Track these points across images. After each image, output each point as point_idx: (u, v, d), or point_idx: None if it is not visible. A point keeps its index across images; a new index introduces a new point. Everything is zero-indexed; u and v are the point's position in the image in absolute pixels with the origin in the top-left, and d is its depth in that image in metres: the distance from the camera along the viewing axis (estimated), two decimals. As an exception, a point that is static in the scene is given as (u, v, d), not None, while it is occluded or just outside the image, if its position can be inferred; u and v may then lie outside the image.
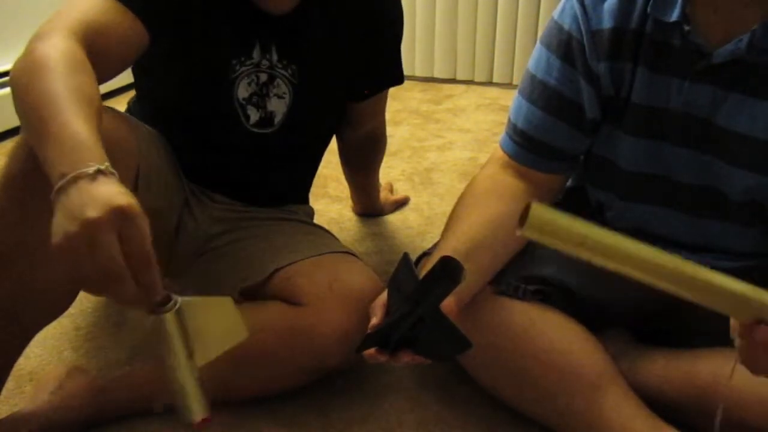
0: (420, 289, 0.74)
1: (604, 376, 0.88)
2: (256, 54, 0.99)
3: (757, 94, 0.80)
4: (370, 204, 1.58)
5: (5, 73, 2.09)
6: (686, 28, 0.80)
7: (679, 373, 0.89)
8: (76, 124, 0.64)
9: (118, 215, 0.58)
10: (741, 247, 0.91)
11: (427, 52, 2.73)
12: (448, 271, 0.68)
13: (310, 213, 1.26)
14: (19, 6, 2.16)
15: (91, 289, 0.62)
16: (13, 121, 2.10)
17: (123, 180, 0.63)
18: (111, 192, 0.59)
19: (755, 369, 0.66)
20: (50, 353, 1.11)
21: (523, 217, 0.62)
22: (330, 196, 1.70)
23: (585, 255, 0.64)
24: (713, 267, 0.91)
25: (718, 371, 0.85)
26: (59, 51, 0.72)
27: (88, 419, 0.94)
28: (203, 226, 1.09)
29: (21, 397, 0.99)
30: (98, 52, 0.77)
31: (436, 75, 2.76)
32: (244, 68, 0.99)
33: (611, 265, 0.63)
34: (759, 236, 0.90)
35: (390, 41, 1.14)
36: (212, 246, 1.08)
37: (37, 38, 0.74)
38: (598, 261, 0.64)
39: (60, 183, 0.60)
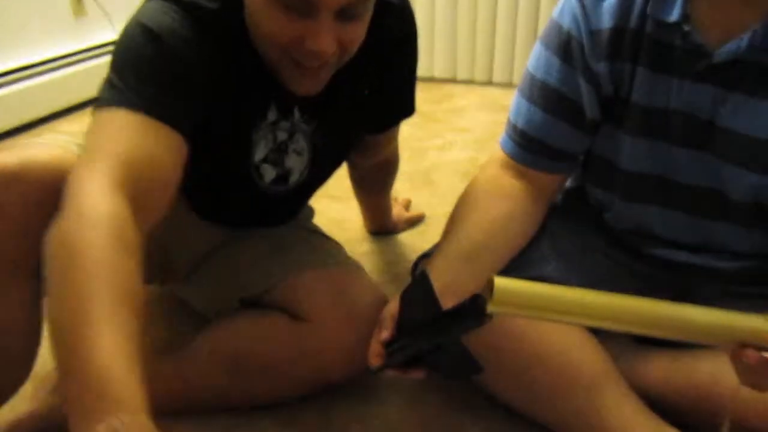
0: (444, 321, 0.73)
1: (604, 376, 0.88)
2: (271, 114, 0.91)
3: (758, 94, 0.80)
4: (382, 223, 1.52)
5: (3, 74, 2.09)
6: (686, 28, 0.80)
7: (679, 374, 0.89)
8: (106, 353, 0.57)
9: None
10: (741, 248, 0.91)
11: (427, 52, 2.73)
12: (477, 309, 0.65)
13: (310, 214, 1.26)
14: (15, 6, 2.15)
15: None
16: (12, 121, 2.10)
17: None
18: None
19: (757, 388, 0.66)
20: (50, 353, 1.11)
21: (489, 290, 0.61)
22: (330, 196, 1.69)
23: (558, 318, 0.63)
24: (714, 267, 0.92)
25: (718, 372, 0.85)
26: (102, 224, 0.64)
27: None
28: (205, 237, 1.08)
29: (21, 397, 0.98)
30: (144, 192, 0.71)
31: (436, 75, 2.76)
32: (260, 132, 0.92)
33: (586, 322, 0.63)
34: (759, 236, 0.89)
35: (409, 78, 1.08)
36: (215, 251, 1.07)
37: (76, 190, 0.67)
38: (574, 321, 0.64)
39: None
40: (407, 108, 1.12)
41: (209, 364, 0.96)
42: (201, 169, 0.83)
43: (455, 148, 2.05)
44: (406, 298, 0.84)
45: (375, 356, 0.83)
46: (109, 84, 0.77)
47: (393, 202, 1.54)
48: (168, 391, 0.97)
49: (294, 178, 0.99)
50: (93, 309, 0.59)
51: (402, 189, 1.75)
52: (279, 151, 0.95)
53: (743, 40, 0.77)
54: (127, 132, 0.73)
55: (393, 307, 0.85)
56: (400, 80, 1.06)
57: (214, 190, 0.95)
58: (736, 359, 0.64)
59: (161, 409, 0.96)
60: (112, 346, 0.58)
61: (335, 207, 1.64)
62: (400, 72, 1.04)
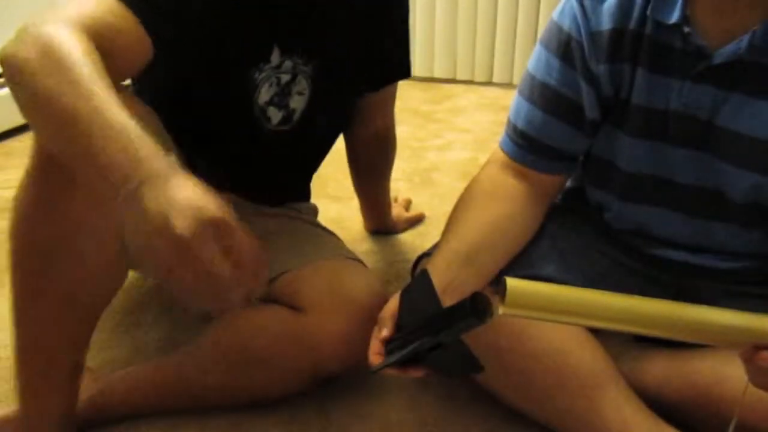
0: (444, 319, 0.73)
1: (604, 376, 0.88)
2: (274, 57, 0.96)
3: (758, 95, 0.80)
4: (381, 220, 1.51)
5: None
6: (686, 29, 0.81)
7: (679, 374, 0.89)
8: (120, 115, 0.59)
9: (212, 228, 0.53)
10: (741, 248, 0.91)
11: (427, 52, 2.73)
12: (478, 307, 0.66)
13: (314, 210, 1.26)
14: (16, 6, 2.15)
15: (189, 299, 0.57)
16: (13, 121, 2.10)
17: None
18: (195, 198, 0.53)
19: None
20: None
21: (501, 293, 0.60)
22: (330, 196, 1.70)
23: (571, 320, 0.62)
24: (713, 267, 0.92)
25: (718, 372, 0.85)
26: (70, 37, 0.65)
27: (88, 419, 0.94)
28: None
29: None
30: (104, 52, 0.69)
31: (436, 75, 2.76)
32: (264, 74, 0.96)
33: (602, 325, 0.62)
34: (759, 237, 0.90)
35: (400, 25, 1.14)
36: None
37: (36, 25, 0.68)
38: (588, 323, 0.63)
39: (128, 187, 0.54)
40: (402, 68, 1.18)
41: (210, 359, 0.96)
42: (209, 117, 0.86)
43: (455, 148, 2.05)
44: (406, 297, 0.84)
45: (375, 355, 0.83)
46: None
47: (393, 202, 1.54)
48: (169, 390, 0.97)
49: (296, 116, 1.03)
50: (95, 89, 0.61)
51: (402, 189, 1.75)
52: (283, 94, 0.99)
53: (743, 41, 0.78)
54: (96, 5, 0.75)
55: (393, 305, 0.85)
56: (390, 32, 1.12)
57: (217, 143, 0.98)
58: (749, 361, 0.64)
59: (162, 408, 0.98)
60: (122, 110, 0.60)
61: (335, 207, 1.64)
62: (390, 25, 1.11)
